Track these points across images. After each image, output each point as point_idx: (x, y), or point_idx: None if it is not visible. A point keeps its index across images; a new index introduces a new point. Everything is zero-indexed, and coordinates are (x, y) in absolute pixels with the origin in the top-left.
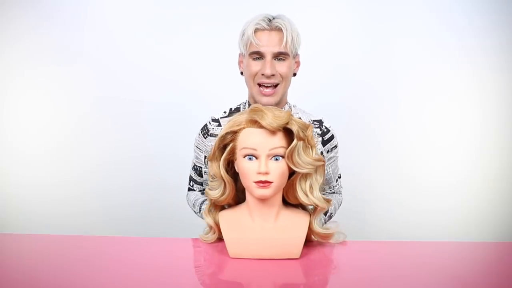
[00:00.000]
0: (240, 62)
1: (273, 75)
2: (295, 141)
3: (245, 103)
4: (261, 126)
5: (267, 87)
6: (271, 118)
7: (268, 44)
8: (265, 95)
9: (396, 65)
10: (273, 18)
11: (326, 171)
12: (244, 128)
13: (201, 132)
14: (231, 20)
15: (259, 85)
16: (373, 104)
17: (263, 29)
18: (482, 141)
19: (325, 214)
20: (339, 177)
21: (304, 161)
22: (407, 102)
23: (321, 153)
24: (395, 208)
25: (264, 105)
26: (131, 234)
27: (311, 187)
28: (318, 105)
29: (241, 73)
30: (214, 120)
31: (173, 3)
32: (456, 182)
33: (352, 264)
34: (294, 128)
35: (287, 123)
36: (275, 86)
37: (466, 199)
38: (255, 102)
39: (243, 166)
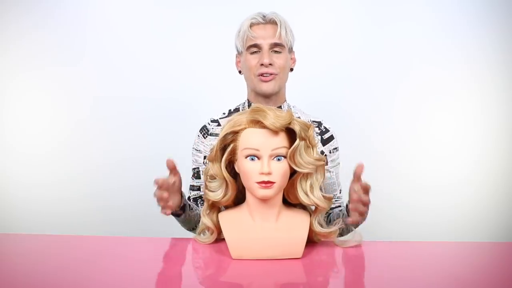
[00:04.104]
0: (237, 63)
1: (271, 64)
2: (297, 141)
3: (244, 103)
4: (263, 126)
5: (267, 76)
6: (273, 117)
7: (264, 36)
8: (265, 81)
9: (395, 63)
10: (267, 15)
11: (329, 174)
12: (245, 128)
13: (201, 133)
14: (233, 20)
15: (259, 75)
16: (372, 103)
17: (258, 23)
18: (482, 141)
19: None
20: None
21: (306, 161)
22: (406, 102)
23: (322, 152)
24: (395, 208)
25: (264, 92)
26: (131, 234)
27: (311, 186)
28: (315, 104)
29: (239, 72)
30: (213, 120)
31: (175, 4)
32: (456, 182)
33: (353, 264)
34: (297, 128)
35: (289, 123)
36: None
37: (467, 199)
38: (256, 96)
39: (245, 166)
